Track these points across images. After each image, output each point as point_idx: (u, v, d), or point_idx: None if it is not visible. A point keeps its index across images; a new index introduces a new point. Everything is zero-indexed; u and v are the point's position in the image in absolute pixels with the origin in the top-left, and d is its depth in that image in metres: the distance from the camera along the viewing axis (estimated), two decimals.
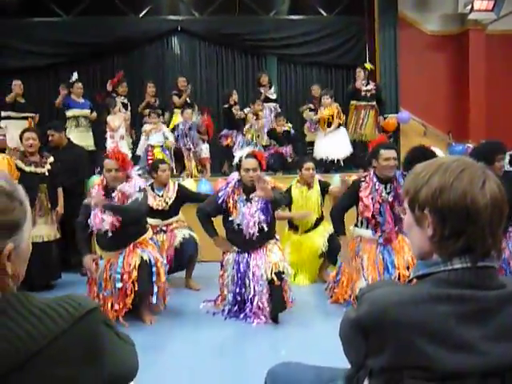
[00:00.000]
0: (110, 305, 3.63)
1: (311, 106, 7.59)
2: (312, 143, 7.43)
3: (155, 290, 3.71)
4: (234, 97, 7.57)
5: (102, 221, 3.61)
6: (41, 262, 4.42)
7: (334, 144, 6.94)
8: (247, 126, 7.07)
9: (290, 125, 7.35)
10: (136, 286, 3.61)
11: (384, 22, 8.17)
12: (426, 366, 0.98)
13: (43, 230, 4.62)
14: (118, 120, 6.53)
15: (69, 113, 6.74)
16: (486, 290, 1.02)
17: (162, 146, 6.54)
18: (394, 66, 8.14)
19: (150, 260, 3.69)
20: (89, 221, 3.67)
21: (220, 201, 3.81)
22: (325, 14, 8.98)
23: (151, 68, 8.59)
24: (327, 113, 6.92)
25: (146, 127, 6.60)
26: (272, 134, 7.20)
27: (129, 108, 7.28)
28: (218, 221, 3.97)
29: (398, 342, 1.00)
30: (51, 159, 4.74)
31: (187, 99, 7.43)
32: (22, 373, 0.88)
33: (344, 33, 8.76)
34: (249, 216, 3.72)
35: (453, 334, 0.98)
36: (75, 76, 7.06)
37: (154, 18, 8.66)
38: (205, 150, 7.02)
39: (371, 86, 7.39)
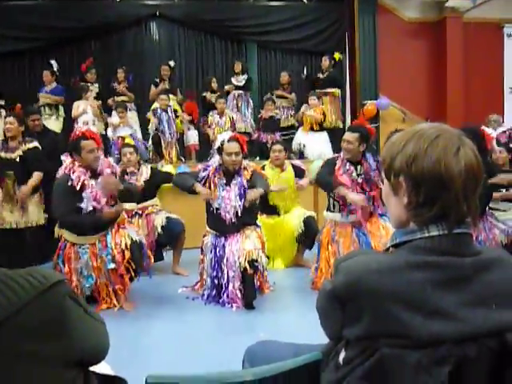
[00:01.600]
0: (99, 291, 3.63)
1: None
2: (287, 128, 7.46)
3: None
4: (214, 84, 7.55)
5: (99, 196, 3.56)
6: (8, 249, 4.31)
7: (315, 146, 6.96)
8: (213, 126, 7.02)
9: (277, 111, 7.36)
10: (131, 265, 3.61)
11: (363, 8, 8.14)
12: (402, 334, 0.97)
13: (10, 217, 4.46)
14: (81, 106, 6.45)
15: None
16: (461, 256, 1.01)
17: (131, 135, 6.40)
18: (374, 52, 8.15)
19: (139, 237, 3.72)
20: (83, 204, 3.52)
21: (200, 178, 3.80)
22: (305, 0, 8.93)
23: (129, 53, 8.44)
24: (318, 117, 6.96)
25: (113, 120, 6.44)
26: (259, 120, 7.24)
27: (93, 92, 7.04)
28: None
29: (375, 310, 0.99)
30: (31, 145, 4.59)
31: (167, 86, 7.35)
32: None
33: (324, 19, 8.73)
34: (227, 200, 3.73)
35: (429, 301, 0.97)
36: (55, 65, 6.95)
37: (131, 2, 8.50)
38: (190, 136, 6.93)
39: (326, 74, 7.52)
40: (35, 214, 4.58)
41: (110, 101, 7.20)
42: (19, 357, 0.87)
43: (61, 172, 3.66)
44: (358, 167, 3.84)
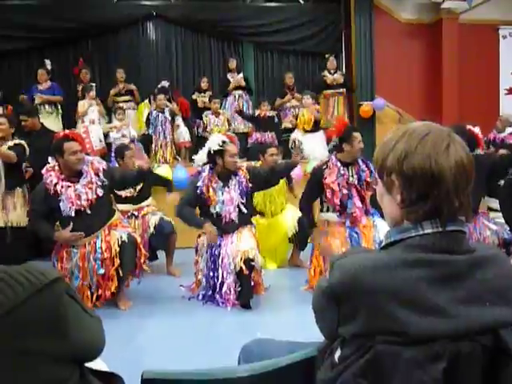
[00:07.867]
0: (89, 293, 3.58)
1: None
2: (287, 130, 7.44)
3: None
4: (203, 84, 7.54)
5: (79, 198, 3.50)
6: None
7: (311, 146, 6.93)
8: (210, 128, 7.06)
9: (274, 112, 7.36)
10: (120, 270, 3.57)
11: (359, 9, 8.17)
12: (397, 331, 0.97)
13: None
14: (86, 105, 6.47)
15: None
16: (456, 254, 1.02)
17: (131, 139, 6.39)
18: (370, 53, 8.17)
19: (130, 238, 3.65)
20: (61, 205, 3.51)
21: (199, 191, 3.78)
22: (302, 1, 8.94)
23: (125, 53, 8.43)
24: (307, 116, 6.95)
25: (116, 124, 6.51)
26: (255, 119, 7.21)
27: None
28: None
29: (370, 308, 1.00)
30: (16, 141, 4.54)
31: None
32: None
33: (321, 21, 8.75)
34: (229, 202, 3.74)
35: (424, 299, 0.98)
36: (49, 63, 6.94)
37: (128, 2, 8.48)
38: (180, 134, 6.90)
39: (338, 74, 7.48)
40: (16, 215, 4.52)
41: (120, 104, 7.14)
42: (16, 353, 0.87)
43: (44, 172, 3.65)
44: (351, 169, 3.84)
